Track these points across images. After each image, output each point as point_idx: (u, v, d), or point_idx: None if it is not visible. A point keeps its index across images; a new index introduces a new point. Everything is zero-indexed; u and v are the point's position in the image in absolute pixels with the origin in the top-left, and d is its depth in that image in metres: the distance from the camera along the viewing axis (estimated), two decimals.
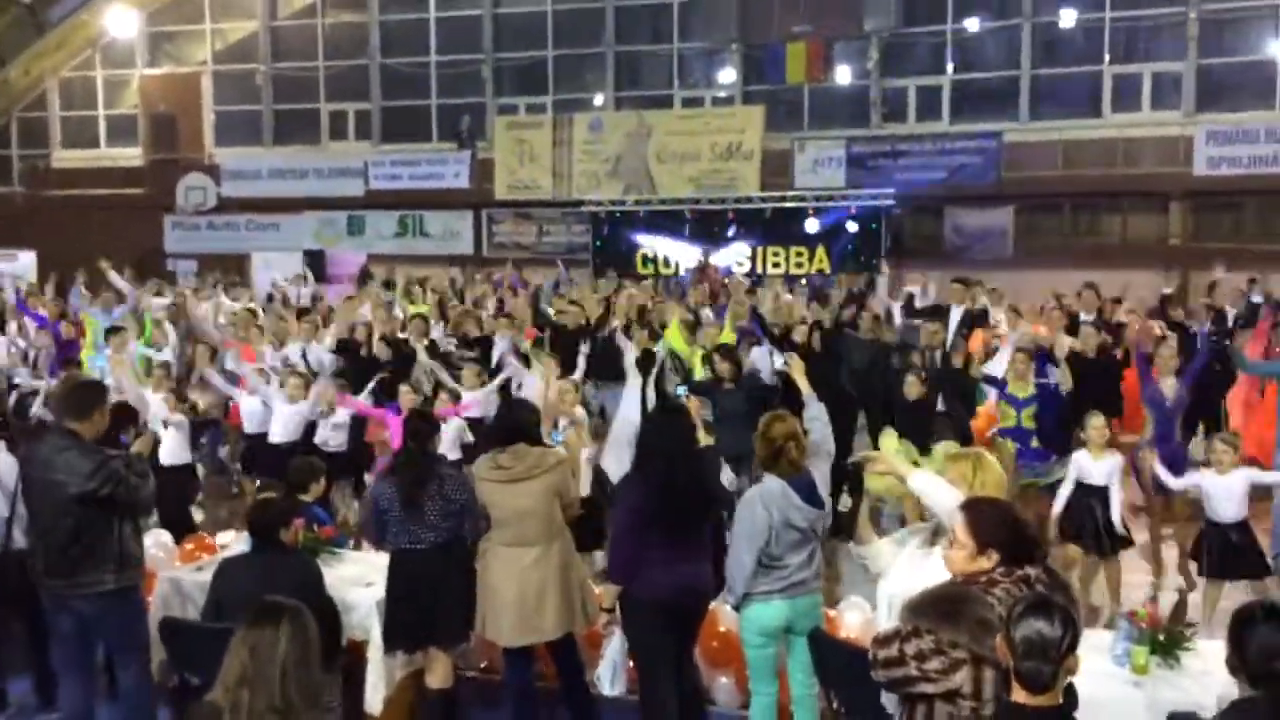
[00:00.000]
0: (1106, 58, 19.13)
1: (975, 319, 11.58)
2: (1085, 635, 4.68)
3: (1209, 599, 6.70)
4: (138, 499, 5.13)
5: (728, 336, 10.58)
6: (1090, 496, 7.20)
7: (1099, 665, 4.61)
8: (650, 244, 19.69)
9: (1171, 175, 18.02)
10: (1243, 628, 3.22)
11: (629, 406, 9.49)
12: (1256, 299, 13.41)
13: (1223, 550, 6.72)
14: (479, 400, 9.46)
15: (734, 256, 19.08)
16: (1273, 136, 17.47)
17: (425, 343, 10.78)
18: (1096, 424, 7.29)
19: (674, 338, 10.76)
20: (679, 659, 5.36)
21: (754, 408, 9.39)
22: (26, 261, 22.05)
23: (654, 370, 9.79)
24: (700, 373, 9.92)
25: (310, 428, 9.07)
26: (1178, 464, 7.73)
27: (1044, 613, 2.83)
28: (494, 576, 5.40)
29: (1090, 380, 8.91)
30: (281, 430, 8.97)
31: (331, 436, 9.09)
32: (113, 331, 10.55)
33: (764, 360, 10.36)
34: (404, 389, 9.13)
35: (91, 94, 25.23)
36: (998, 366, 9.35)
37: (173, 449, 8.51)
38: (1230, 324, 12.14)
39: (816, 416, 5.32)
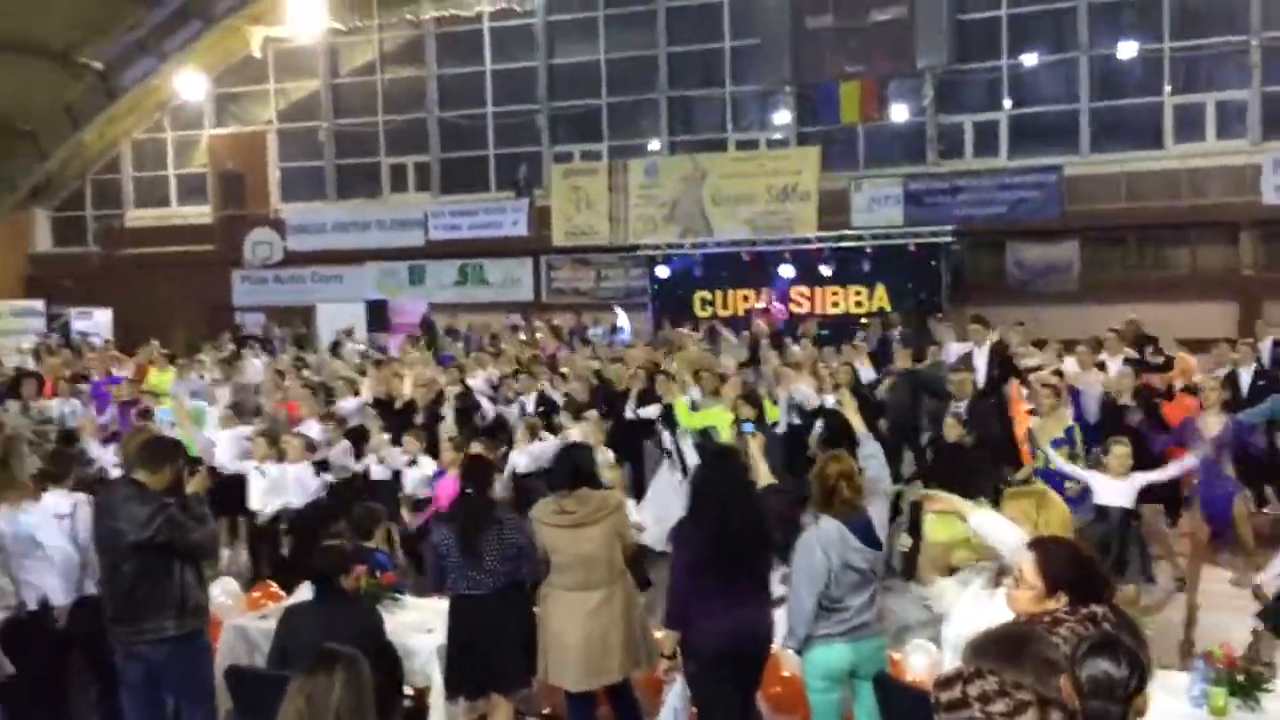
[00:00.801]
0: (1167, 88, 18.87)
1: (1003, 357, 11.37)
2: (1162, 676, 4.56)
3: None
4: (194, 543, 5.22)
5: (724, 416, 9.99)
6: (1104, 522, 7.06)
7: (1176, 708, 4.46)
8: (708, 287, 19.68)
9: (1240, 205, 17.65)
10: None
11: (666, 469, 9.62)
12: None
13: None
14: (532, 454, 9.45)
15: (793, 299, 19.00)
16: None
17: (459, 389, 10.89)
18: (1120, 452, 7.19)
19: (681, 412, 10.22)
20: (742, 706, 5.28)
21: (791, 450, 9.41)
22: (103, 319, 22.69)
23: (672, 424, 9.78)
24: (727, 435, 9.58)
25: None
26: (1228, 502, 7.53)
27: (1110, 652, 2.74)
28: (558, 621, 5.39)
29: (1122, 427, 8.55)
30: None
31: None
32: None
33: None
34: (445, 444, 9.10)
35: (162, 155, 26.05)
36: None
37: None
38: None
39: (872, 455, 5.25)
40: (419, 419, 10.44)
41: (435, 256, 22.84)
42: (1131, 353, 11.27)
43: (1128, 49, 19.01)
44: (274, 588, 7.17)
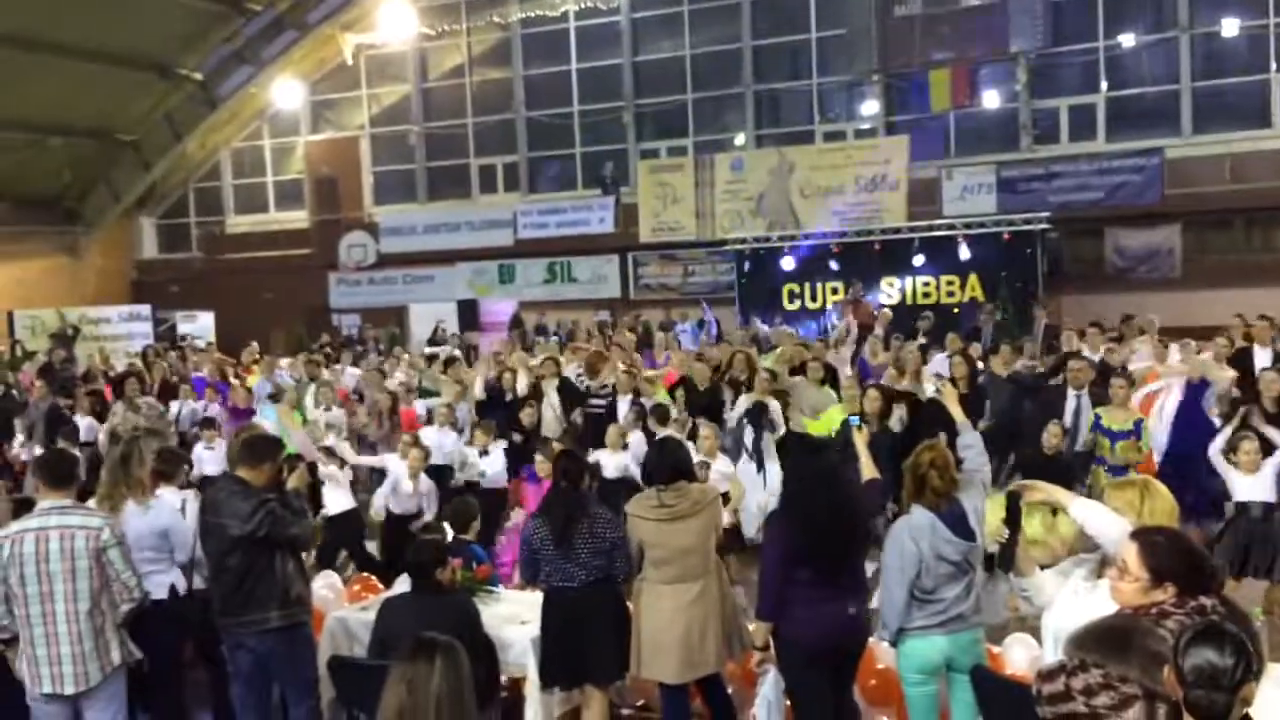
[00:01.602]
0: (1274, 65, 18.16)
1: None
2: (1274, 669, 4.40)
3: None
4: (294, 536, 5.38)
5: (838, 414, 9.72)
6: (1247, 513, 6.90)
7: None
8: (796, 280, 19.53)
9: None
10: None
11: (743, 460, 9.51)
12: None
13: None
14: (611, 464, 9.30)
15: (883, 289, 18.75)
16: None
17: (556, 383, 10.96)
18: (1248, 448, 6.99)
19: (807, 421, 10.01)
20: (837, 699, 5.25)
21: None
22: (206, 322, 23.46)
23: (763, 422, 9.65)
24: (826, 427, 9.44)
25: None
26: None
27: (1214, 640, 2.65)
28: (655, 614, 5.42)
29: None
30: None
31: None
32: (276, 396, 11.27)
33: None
34: (539, 459, 8.91)
35: (260, 162, 26.80)
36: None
37: (336, 498, 8.81)
38: None
39: (971, 445, 5.18)
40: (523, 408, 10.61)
41: (524, 255, 23.11)
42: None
43: (1230, 26, 18.33)
44: (373, 580, 7.33)
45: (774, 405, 9.89)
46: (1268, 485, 6.98)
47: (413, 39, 23.77)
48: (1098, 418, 8.53)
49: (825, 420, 9.58)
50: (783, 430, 9.64)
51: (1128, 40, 19.08)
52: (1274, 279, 16.52)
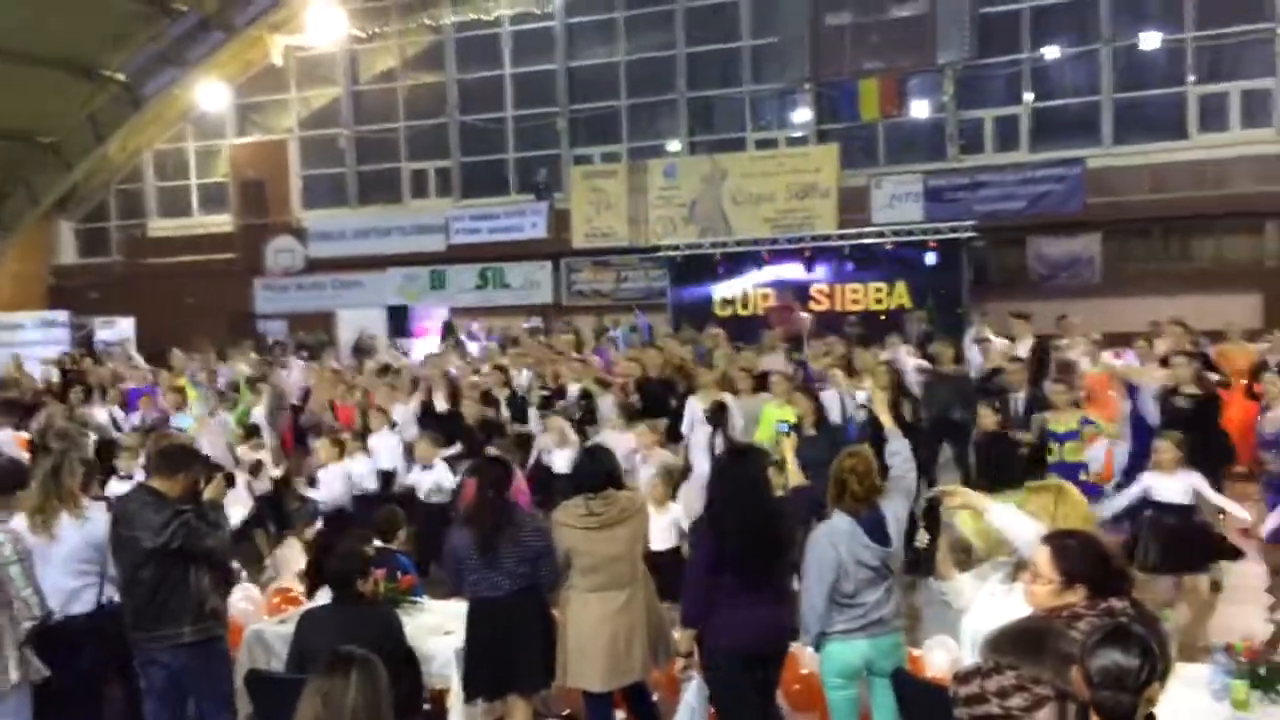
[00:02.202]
0: (1191, 78, 18.69)
1: (1042, 353, 11.32)
2: (1183, 669, 4.50)
3: None
4: (209, 549, 5.25)
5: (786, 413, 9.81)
6: (1167, 515, 6.94)
7: (1198, 701, 4.40)
8: (728, 287, 19.61)
9: (1265, 195, 17.44)
10: None
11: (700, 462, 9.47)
12: None
13: None
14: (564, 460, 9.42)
15: (813, 296, 18.90)
16: None
17: (506, 393, 10.87)
18: (1165, 447, 7.06)
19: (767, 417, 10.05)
20: (761, 704, 5.26)
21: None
22: (126, 327, 22.90)
23: (725, 422, 9.66)
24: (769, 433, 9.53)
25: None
26: None
27: (1120, 642, 2.71)
28: (582, 623, 5.39)
29: (1189, 420, 8.38)
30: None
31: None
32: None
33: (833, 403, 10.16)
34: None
35: (184, 165, 26.28)
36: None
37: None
38: None
39: (898, 451, 5.22)
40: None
41: (456, 261, 22.94)
42: (1189, 346, 11.07)
43: (1150, 39, 18.83)
44: (293, 592, 7.20)
45: (732, 403, 9.92)
46: (1185, 491, 7.01)
47: (343, 41, 23.50)
48: (1045, 423, 8.67)
49: (763, 422, 9.62)
50: (739, 427, 9.69)
51: (1051, 52, 19.50)
52: (1190, 287, 16.99)
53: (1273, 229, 17.85)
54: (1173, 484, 7.00)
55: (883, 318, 17.32)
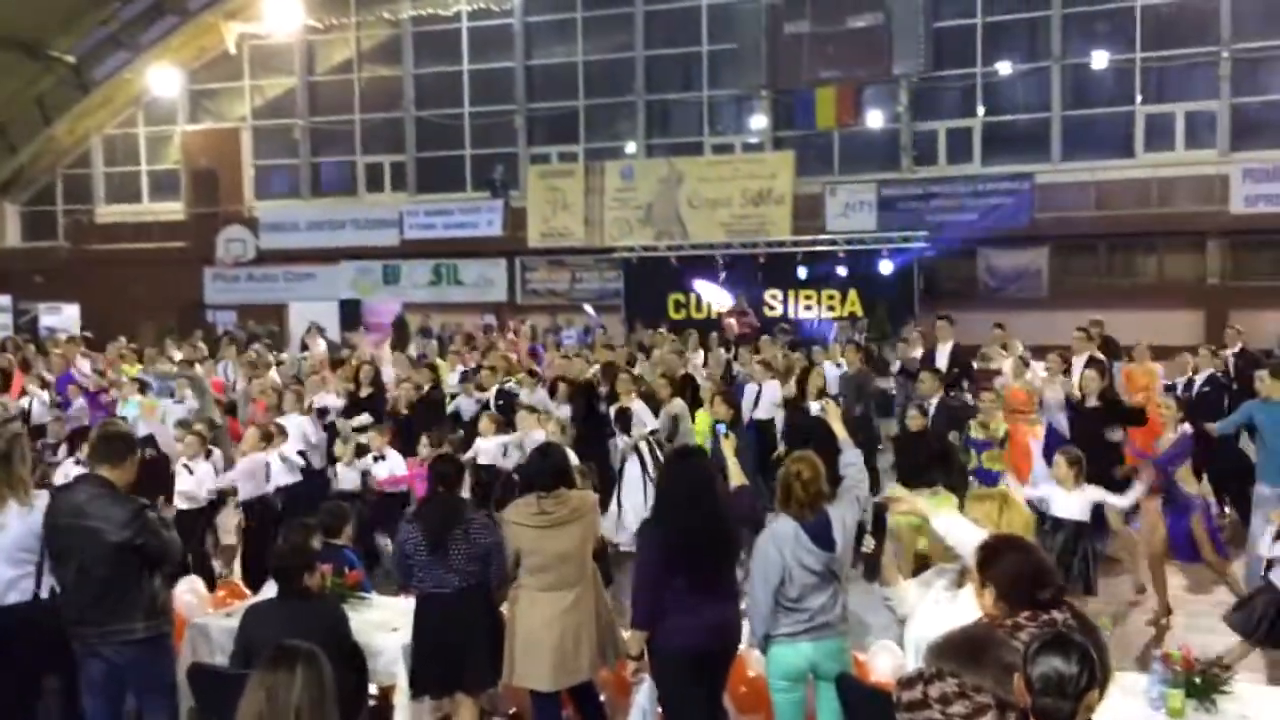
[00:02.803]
0: (1138, 98, 19.09)
1: (963, 360, 11.61)
2: (1120, 678, 4.60)
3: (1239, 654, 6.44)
4: (169, 550, 5.18)
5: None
6: (1060, 530, 7.03)
7: (1135, 709, 4.50)
8: (682, 289, 19.71)
9: (1208, 214, 17.89)
10: None
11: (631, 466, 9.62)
12: None
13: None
14: (490, 449, 9.52)
15: (767, 301, 19.06)
16: None
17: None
18: (1060, 462, 7.15)
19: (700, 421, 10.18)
20: (709, 706, 5.29)
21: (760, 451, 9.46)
22: (70, 314, 22.49)
23: (631, 427, 9.75)
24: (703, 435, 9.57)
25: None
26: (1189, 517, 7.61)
27: (1061, 649, 2.78)
28: (531, 621, 5.38)
29: (1089, 429, 8.68)
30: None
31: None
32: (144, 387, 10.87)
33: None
34: (424, 440, 9.16)
35: (134, 150, 25.86)
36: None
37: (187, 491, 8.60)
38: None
39: (852, 462, 5.23)
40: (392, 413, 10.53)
41: (410, 256, 22.81)
42: (1098, 354, 11.32)
43: (1100, 59, 19.22)
44: (239, 586, 7.12)
45: (637, 407, 9.98)
46: (1083, 507, 7.11)
47: (299, 31, 23.28)
48: (967, 429, 8.84)
49: (698, 426, 9.72)
50: (647, 429, 9.75)
51: (1004, 68, 19.83)
52: (1134, 303, 17.34)
53: (1214, 247, 18.27)
54: (1070, 500, 7.09)
55: (836, 325, 17.48)
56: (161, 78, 23.72)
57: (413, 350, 15.42)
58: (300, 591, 5.21)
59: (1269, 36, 18.22)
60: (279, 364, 13.92)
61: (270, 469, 8.75)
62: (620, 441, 9.87)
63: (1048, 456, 8.55)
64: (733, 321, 16.52)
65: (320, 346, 16.35)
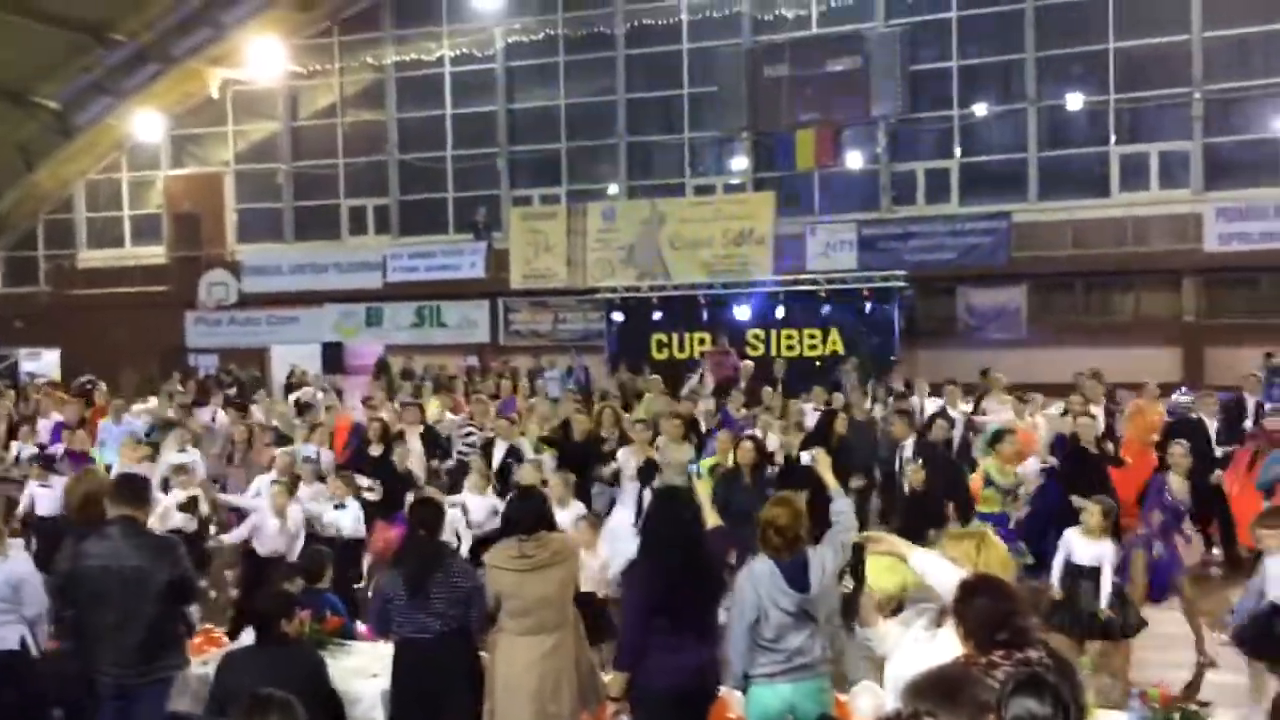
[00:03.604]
0: (1113, 138, 19.36)
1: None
2: (1100, 716, 4.61)
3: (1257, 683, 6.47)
4: (197, 586, 5.34)
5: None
6: (1080, 579, 7.06)
7: None
8: (665, 330, 19.75)
9: (1183, 252, 18.08)
10: None
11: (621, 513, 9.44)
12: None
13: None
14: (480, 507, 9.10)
15: (749, 341, 19.07)
16: None
17: (420, 430, 10.82)
18: (1094, 512, 7.12)
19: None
20: None
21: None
22: (51, 360, 22.39)
23: (653, 480, 9.63)
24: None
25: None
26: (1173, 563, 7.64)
27: (1034, 691, 2.79)
28: (511, 666, 5.35)
29: (1085, 472, 8.77)
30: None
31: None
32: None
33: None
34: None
35: (117, 195, 25.90)
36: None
37: None
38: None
39: (843, 511, 5.23)
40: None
41: (393, 298, 22.82)
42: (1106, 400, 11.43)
43: (1074, 100, 19.51)
44: (216, 633, 7.06)
45: (662, 460, 9.70)
46: (1108, 556, 7.06)
47: (283, 76, 23.41)
48: (989, 474, 8.79)
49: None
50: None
51: (980, 110, 20.10)
52: (1111, 340, 17.50)
53: (1189, 285, 18.45)
54: (1093, 548, 7.09)
55: (817, 364, 17.57)
56: (145, 123, 23.81)
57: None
58: (278, 638, 5.17)
59: (1240, 77, 18.54)
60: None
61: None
62: (626, 487, 9.65)
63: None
64: (708, 370, 16.46)
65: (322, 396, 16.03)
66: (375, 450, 10.50)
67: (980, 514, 8.58)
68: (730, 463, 9.18)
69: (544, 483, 8.97)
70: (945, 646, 3.83)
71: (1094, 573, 7.06)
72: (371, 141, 23.95)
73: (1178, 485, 8.12)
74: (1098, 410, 10.63)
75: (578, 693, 5.45)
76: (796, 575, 4.84)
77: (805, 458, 9.34)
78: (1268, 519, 6.81)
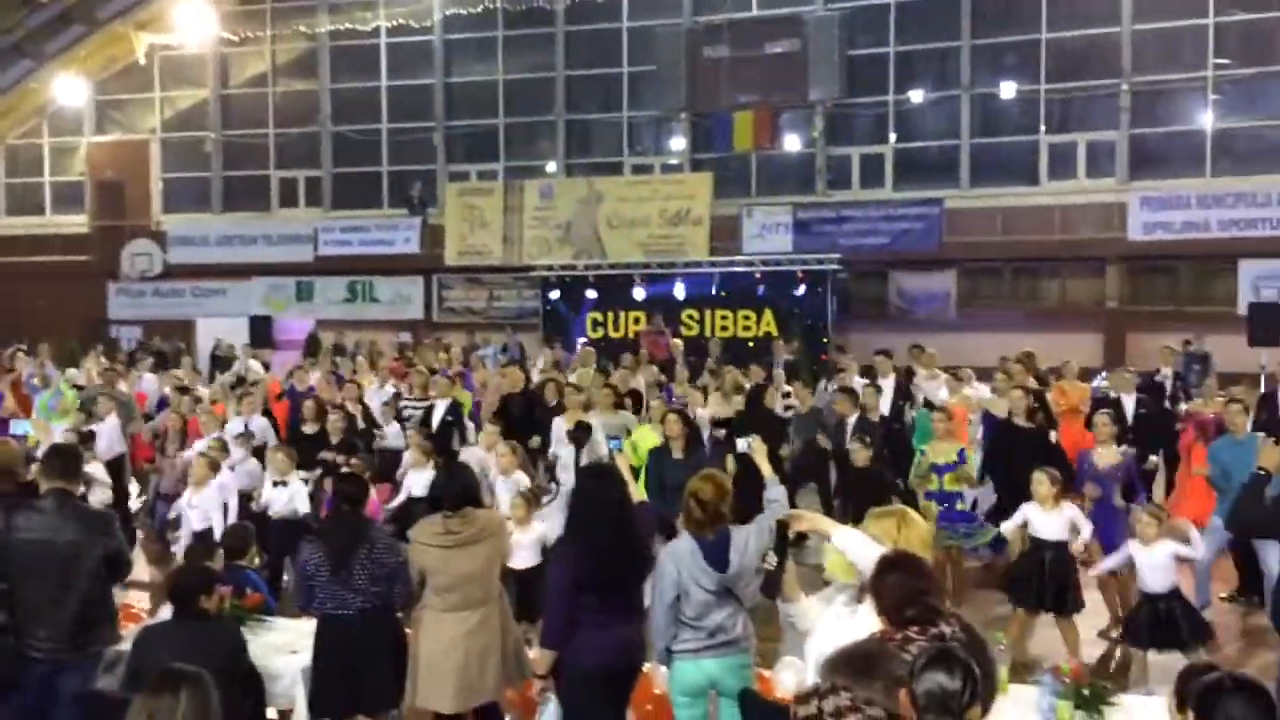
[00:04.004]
0: (1043, 128, 19.68)
1: (905, 388, 11.85)
2: (1014, 691, 4.71)
3: (1138, 665, 6.65)
4: (129, 560, 5.26)
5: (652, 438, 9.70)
6: (1042, 551, 7.17)
7: None
8: (599, 309, 19.72)
9: (1107, 240, 18.46)
10: (1208, 697, 2.88)
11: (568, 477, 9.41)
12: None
13: (1151, 622, 6.58)
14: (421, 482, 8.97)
15: (684, 322, 19.12)
16: (1204, 202, 17.99)
17: (359, 409, 10.72)
18: (1041, 480, 7.20)
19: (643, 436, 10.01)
20: None
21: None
22: None
23: (587, 442, 9.61)
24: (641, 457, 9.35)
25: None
26: (1118, 532, 7.81)
27: (944, 665, 2.83)
28: (435, 643, 5.32)
29: (1024, 446, 8.87)
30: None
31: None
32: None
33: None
34: (355, 462, 8.96)
35: (37, 161, 25.13)
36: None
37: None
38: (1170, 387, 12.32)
39: (777, 499, 5.25)
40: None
41: (324, 273, 22.49)
42: (1032, 382, 11.64)
43: (1007, 89, 19.78)
44: (134, 609, 6.93)
45: (597, 423, 9.75)
46: (1063, 527, 7.17)
47: (212, 43, 22.87)
48: (923, 454, 8.91)
49: (641, 443, 9.59)
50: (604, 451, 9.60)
51: (915, 96, 20.29)
52: (1037, 325, 17.86)
53: (1113, 272, 18.87)
54: (1051, 520, 7.15)
55: (751, 345, 17.67)
56: (67, 87, 23.13)
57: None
58: (196, 613, 5.09)
59: (1166, 70, 18.93)
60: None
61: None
62: (562, 454, 9.57)
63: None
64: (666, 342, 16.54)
65: (257, 367, 15.78)
66: (309, 429, 10.35)
67: (928, 492, 8.72)
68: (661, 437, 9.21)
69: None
70: (865, 622, 3.88)
71: (1056, 545, 7.14)
72: (304, 112, 23.50)
73: (1106, 455, 8.30)
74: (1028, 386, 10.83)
75: (503, 669, 5.44)
76: (717, 555, 4.88)
77: (742, 445, 9.38)
78: (1154, 510, 7.01)
